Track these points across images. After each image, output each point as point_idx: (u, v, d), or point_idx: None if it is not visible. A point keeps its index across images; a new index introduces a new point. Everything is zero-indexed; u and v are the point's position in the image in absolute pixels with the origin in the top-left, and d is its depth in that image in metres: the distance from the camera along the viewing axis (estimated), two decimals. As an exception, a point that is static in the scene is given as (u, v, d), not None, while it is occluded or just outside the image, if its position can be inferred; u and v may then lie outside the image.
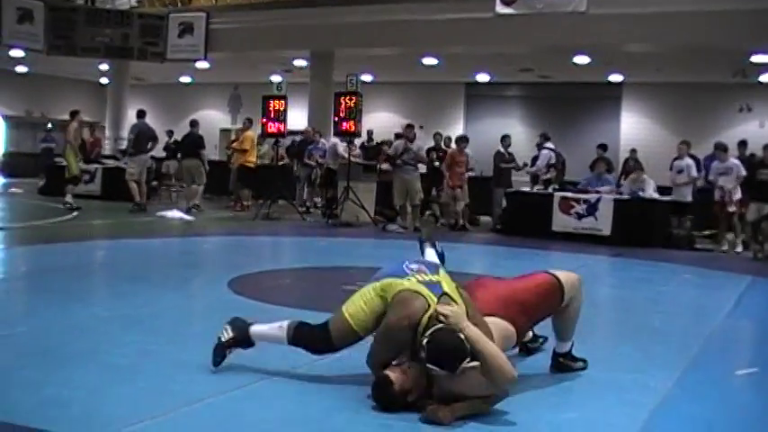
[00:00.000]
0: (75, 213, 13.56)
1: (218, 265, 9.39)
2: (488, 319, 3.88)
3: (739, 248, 12.58)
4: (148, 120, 15.83)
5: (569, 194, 13.53)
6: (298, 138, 18.30)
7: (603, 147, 15.44)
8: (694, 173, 13.23)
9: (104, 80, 24.71)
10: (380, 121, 22.35)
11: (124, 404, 3.54)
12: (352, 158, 14.48)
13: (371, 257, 8.65)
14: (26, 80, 26.19)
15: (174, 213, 14.17)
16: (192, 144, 15.77)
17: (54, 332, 4.90)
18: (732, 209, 12.65)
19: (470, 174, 15.22)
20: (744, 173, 12.54)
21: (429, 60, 19.22)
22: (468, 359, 3.46)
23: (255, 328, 4.10)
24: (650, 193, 13.26)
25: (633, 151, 17.20)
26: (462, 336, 3.50)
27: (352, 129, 14.08)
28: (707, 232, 13.64)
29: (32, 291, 6.59)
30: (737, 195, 12.63)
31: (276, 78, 17.14)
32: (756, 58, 16.31)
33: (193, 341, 4.50)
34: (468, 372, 3.46)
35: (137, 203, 14.67)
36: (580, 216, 13.15)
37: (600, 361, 4.60)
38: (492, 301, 4.02)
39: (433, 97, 23.32)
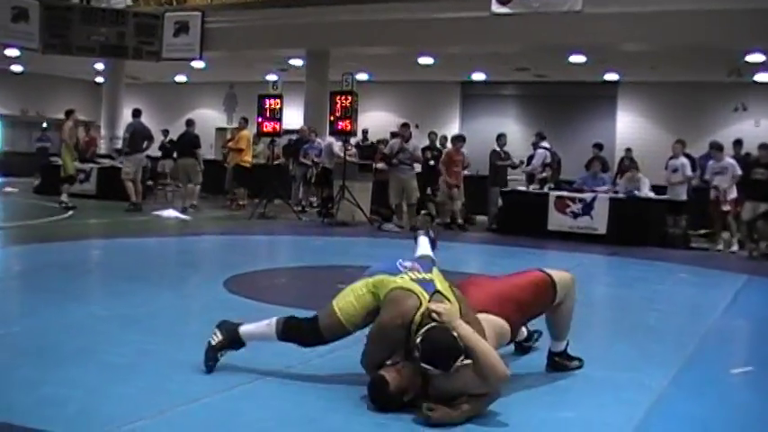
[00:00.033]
0: (70, 212, 13.54)
1: (214, 264, 9.39)
2: (482, 317, 3.87)
3: (735, 247, 12.60)
4: (144, 119, 15.81)
5: (565, 194, 13.54)
6: (294, 137, 18.28)
7: (599, 146, 15.45)
8: (689, 172, 13.25)
9: (100, 79, 24.65)
10: (376, 121, 22.33)
11: (121, 403, 3.54)
12: (347, 158, 14.48)
13: (367, 256, 8.63)
14: (21, 79, 26.12)
15: (170, 212, 14.15)
16: (188, 143, 15.77)
17: (50, 331, 4.90)
18: (726, 208, 12.67)
19: (466, 173, 15.24)
20: (739, 172, 12.56)
21: (425, 59, 19.22)
22: (462, 357, 3.45)
23: (244, 329, 4.09)
24: (646, 192, 13.28)
25: (628, 150, 17.22)
26: (456, 334, 3.50)
27: (348, 128, 14.06)
28: (702, 231, 13.67)
29: (28, 290, 6.58)
30: (733, 195, 12.65)
31: (272, 77, 17.16)
32: (751, 58, 16.34)
33: (190, 340, 4.50)
34: (462, 370, 3.46)
35: (133, 203, 14.65)
36: (576, 215, 13.16)
37: (596, 359, 4.61)
38: (485, 299, 4.01)
39: (428, 96, 23.32)
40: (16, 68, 25.01)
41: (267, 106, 14.92)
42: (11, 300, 6.26)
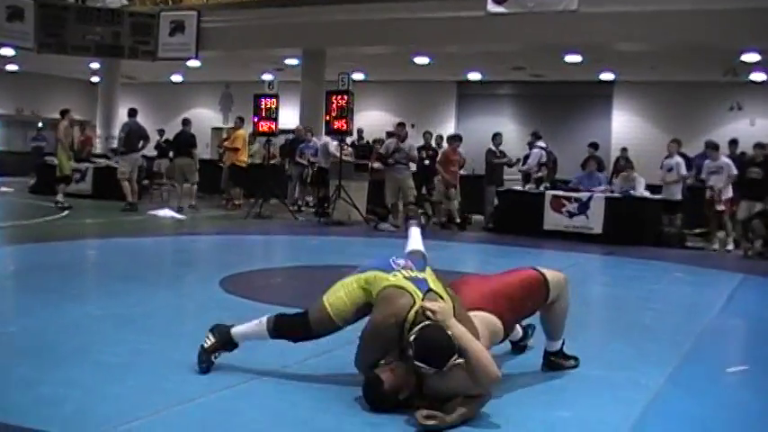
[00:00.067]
0: (66, 212, 13.52)
1: (210, 263, 9.38)
2: (475, 314, 3.85)
3: (730, 246, 12.62)
4: (139, 118, 15.77)
5: (561, 193, 13.56)
6: (291, 137, 18.27)
7: (595, 145, 15.48)
8: (683, 171, 13.26)
9: (95, 79, 24.62)
10: (372, 120, 22.36)
11: (117, 403, 3.53)
12: (343, 157, 14.48)
13: (363, 256, 8.55)
14: (16, 79, 26.08)
15: (166, 212, 14.14)
16: (184, 143, 15.78)
17: (46, 331, 4.88)
18: (720, 208, 12.69)
19: (462, 172, 15.24)
20: (735, 172, 12.57)
21: (421, 59, 19.23)
22: (455, 356, 3.42)
23: (236, 329, 4.09)
24: (641, 191, 13.30)
25: (624, 150, 17.25)
26: (450, 333, 3.47)
27: (344, 127, 14.06)
28: (698, 231, 13.68)
29: (24, 290, 6.56)
30: (728, 194, 12.67)
31: (268, 77, 17.15)
32: (747, 57, 16.38)
33: (185, 340, 4.50)
34: (455, 369, 3.43)
35: (129, 203, 14.62)
36: (571, 214, 13.18)
37: (592, 358, 4.61)
38: (478, 297, 3.99)
39: (424, 96, 23.33)
40: (11, 68, 24.96)
41: (263, 106, 14.93)
42: (6, 300, 6.25)
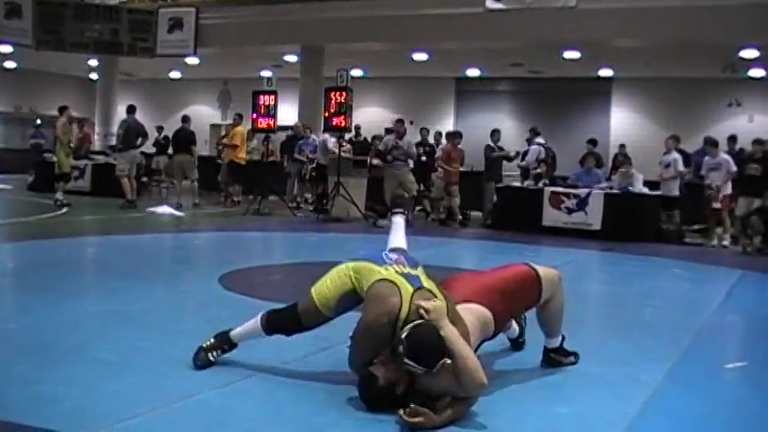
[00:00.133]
0: (64, 210, 13.52)
1: (209, 260, 9.37)
2: (465, 306, 3.82)
3: (726, 242, 12.63)
4: (138, 115, 15.76)
5: (560, 189, 13.56)
6: (290, 133, 18.26)
7: (593, 142, 15.49)
8: (680, 167, 13.27)
9: (93, 76, 24.60)
10: (371, 117, 22.35)
11: (116, 400, 3.53)
12: (342, 154, 14.47)
13: (362, 253, 8.62)
14: (15, 76, 26.07)
15: (164, 209, 14.12)
16: (184, 139, 15.76)
17: (45, 329, 4.89)
18: (717, 206, 12.68)
19: (461, 169, 15.21)
20: (734, 168, 12.54)
21: (419, 55, 19.22)
22: (446, 357, 3.38)
23: (235, 331, 4.13)
24: (639, 187, 13.31)
25: (622, 146, 17.23)
26: (442, 333, 3.43)
27: (343, 124, 14.06)
28: (696, 227, 13.70)
29: (23, 287, 6.56)
30: (727, 191, 12.66)
31: (266, 74, 17.12)
32: (745, 53, 16.37)
33: (184, 337, 4.50)
34: (445, 370, 3.39)
35: (127, 200, 14.61)
36: (570, 211, 13.19)
37: (590, 355, 4.61)
38: (470, 291, 3.97)
39: (423, 92, 23.31)
40: (9, 65, 24.97)
41: (261, 102, 14.93)
42: (5, 297, 6.25)
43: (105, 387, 3.71)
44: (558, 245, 11.55)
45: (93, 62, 22.78)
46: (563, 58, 18.16)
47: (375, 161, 15.08)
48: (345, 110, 13.94)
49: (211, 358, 4.07)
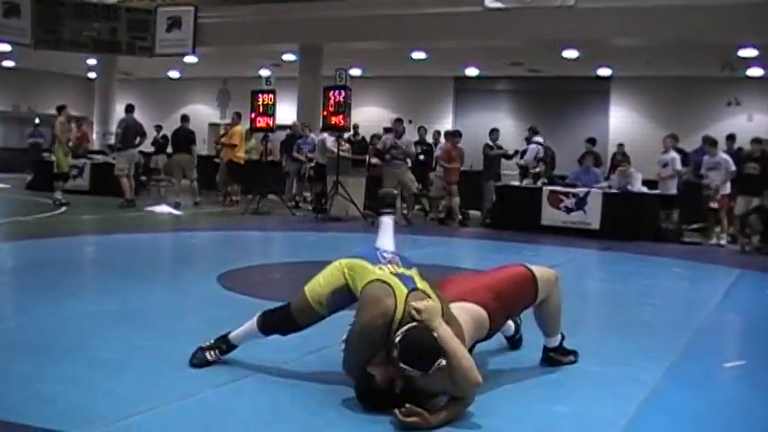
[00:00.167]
0: (63, 209, 13.51)
1: (208, 259, 9.37)
2: (460, 305, 3.80)
3: (723, 241, 12.63)
4: (137, 114, 15.75)
5: (558, 188, 13.57)
6: (289, 132, 18.25)
7: (592, 141, 15.49)
8: (678, 166, 13.28)
9: (92, 75, 24.57)
10: (370, 116, 22.33)
11: (115, 399, 3.53)
12: (341, 153, 14.47)
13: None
14: (13, 75, 26.04)
15: (163, 208, 14.12)
16: (183, 139, 15.75)
17: (44, 328, 4.89)
18: (715, 205, 12.68)
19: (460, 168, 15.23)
20: (733, 168, 12.54)
21: (418, 54, 19.20)
22: (441, 359, 3.36)
23: (233, 333, 4.14)
24: (638, 186, 13.31)
25: (621, 145, 17.24)
26: (436, 334, 3.41)
27: (342, 123, 14.05)
28: (695, 226, 13.70)
29: (21, 286, 6.56)
30: (726, 190, 12.67)
31: (265, 73, 17.12)
32: (744, 52, 16.36)
33: (183, 336, 4.50)
34: (441, 372, 3.37)
35: (126, 199, 14.60)
36: (569, 210, 13.19)
37: (589, 354, 4.62)
38: (465, 291, 3.96)
39: (422, 91, 23.29)
40: (8, 64, 24.93)
41: (260, 102, 14.90)
42: (4, 296, 6.25)
43: (104, 386, 3.71)
44: (557, 244, 11.55)
45: (92, 61, 22.75)
46: (562, 57, 18.14)
47: (374, 160, 15.08)
48: (344, 109, 13.93)
49: (209, 357, 4.08)
